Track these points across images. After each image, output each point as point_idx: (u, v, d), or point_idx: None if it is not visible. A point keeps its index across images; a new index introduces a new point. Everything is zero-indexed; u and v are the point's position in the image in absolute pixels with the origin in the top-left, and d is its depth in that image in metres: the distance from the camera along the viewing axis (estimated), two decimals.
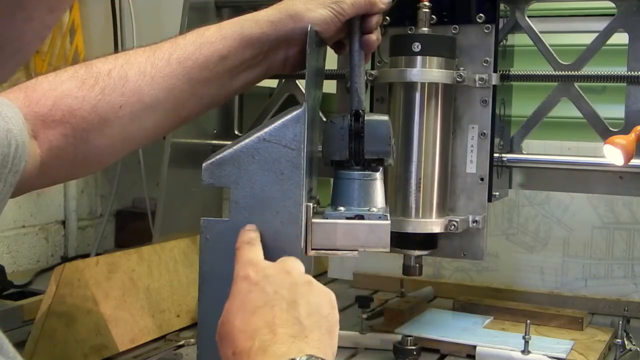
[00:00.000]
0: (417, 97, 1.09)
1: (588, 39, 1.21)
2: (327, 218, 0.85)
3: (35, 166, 0.83)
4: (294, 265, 0.75)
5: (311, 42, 0.89)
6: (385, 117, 0.93)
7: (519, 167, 1.25)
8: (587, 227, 1.46)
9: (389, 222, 0.85)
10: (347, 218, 0.85)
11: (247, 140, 0.82)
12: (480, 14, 1.13)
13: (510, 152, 1.24)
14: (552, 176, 1.24)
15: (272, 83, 1.41)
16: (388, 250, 0.86)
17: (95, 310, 1.10)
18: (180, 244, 1.32)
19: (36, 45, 0.45)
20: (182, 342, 1.18)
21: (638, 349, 1.15)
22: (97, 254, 1.62)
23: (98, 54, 0.90)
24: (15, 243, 1.75)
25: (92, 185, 1.98)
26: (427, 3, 1.10)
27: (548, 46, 1.21)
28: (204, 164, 0.83)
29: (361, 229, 0.84)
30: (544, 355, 1.10)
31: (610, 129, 1.17)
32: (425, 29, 1.11)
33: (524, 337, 1.10)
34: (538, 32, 1.22)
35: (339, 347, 0.72)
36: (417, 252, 1.14)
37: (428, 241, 1.14)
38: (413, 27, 1.13)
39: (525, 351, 1.10)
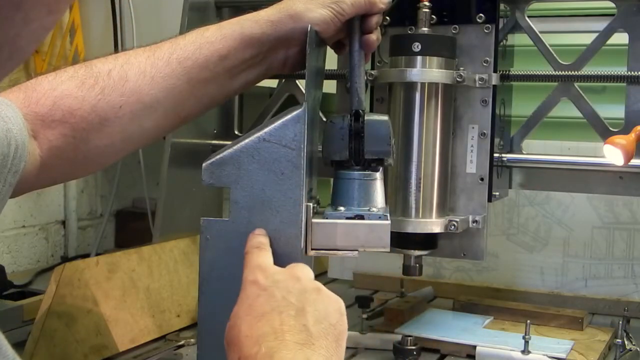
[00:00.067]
0: (417, 97, 1.09)
1: (588, 39, 1.21)
2: (327, 218, 0.85)
3: (35, 166, 0.83)
4: (304, 272, 0.74)
5: (311, 42, 0.89)
6: (385, 117, 0.93)
7: (519, 167, 1.26)
8: (587, 227, 1.46)
9: (389, 222, 0.84)
10: (347, 218, 0.85)
11: (247, 140, 0.82)
12: (480, 14, 1.13)
13: (510, 152, 1.24)
14: (552, 176, 1.24)
15: (272, 83, 1.41)
16: (388, 250, 0.86)
17: (95, 310, 1.10)
18: (180, 244, 1.32)
19: (34, 47, 0.45)
20: (182, 342, 1.18)
21: (638, 349, 1.15)
22: (97, 254, 1.62)
23: (98, 54, 0.90)
24: (15, 243, 1.75)
25: (92, 185, 1.98)
26: (427, 3, 1.10)
27: (548, 46, 1.21)
28: (204, 164, 0.83)
29: (361, 229, 0.84)
30: (544, 355, 1.10)
31: (610, 129, 1.17)
32: (425, 29, 1.11)
33: (524, 337, 1.10)
34: (538, 32, 1.22)
35: None
36: (417, 252, 1.14)
37: (428, 241, 1.14)
38: (413, 27, 1.13)
39: (525, 351, 1.10)
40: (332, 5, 0.93)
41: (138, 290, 1.18)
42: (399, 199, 1.11)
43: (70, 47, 1.77)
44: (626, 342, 1.14)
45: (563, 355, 1.12)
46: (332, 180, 0.91)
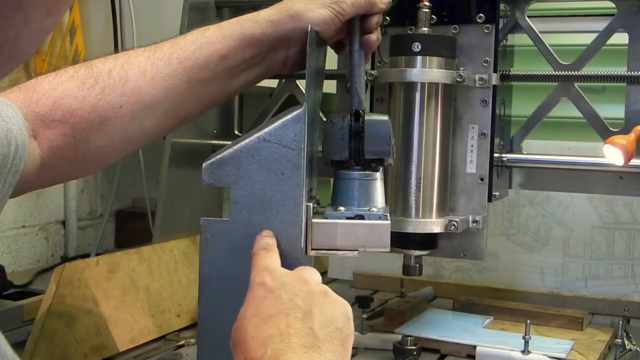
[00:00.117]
0: (417, 97, 1.10)
1: (588, 39, 1.21)
2: (327, 218, 0.85)
3: (35, 166, 0.83)
4: (311, 275, 0.74)
5: (311, 42, 0.89)
6: (385, 117, 0.93)
7: (519, 167, 1.26)
8: (587, 227, 1.46)
9: (389, 222, 0.84)
10: (347, 218, 0.85)
11: (247, 140, 0.82)
12: (480, 14, 1.13)
13: (510, 152, 1.24)
14: (552, 176, 1.24)
15: (272, 83, 1.41)
16: (388, 250, 0.86)
17: (95, 310, 1.10)
18: (180, 244, 1.32)
19: (34, 48, 0.45)
20: (182, 342, 1.18)
21: (638, 349, 1.15)
22: (97, 254, 1.62)
23: (98, 54, 0.90)
24: (15, 243, 1.75)
25: (92, 185, 1.98)
26: (427, 3, 1.10)
27: (548, 46, 1.21)
28: (204, 164, 0.83)
29: (361, 229, 0.84)
30: (544, 355, 1.10)
31: (610, 129, 1.17)
32: (425, 29, 1.11)
33: (524, 337, 1.10)
34: (538, 32, 1.22)
35: None
36: (417, 252, 1.14)
37: (428, 241, 1.14)
38: (413, 27, 1.13)
39: (525, 351, 1.10)
40: (333, 5, 0.93)
41: (138, 290, 1.18)
42: (399, 199, 1.11)
43: (70, 47, 1.77)
44: (626, 342, 1.14)
45: (563, 355, 1.12)
46: (332, 180, 0.91)
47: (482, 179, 1.15)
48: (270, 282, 0.72)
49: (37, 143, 0.83)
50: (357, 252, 0.85)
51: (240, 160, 0.82)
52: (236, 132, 1.48)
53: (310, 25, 0.91)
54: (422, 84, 1.09)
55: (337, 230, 0.84)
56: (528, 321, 1.11)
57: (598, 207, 1.45)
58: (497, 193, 1.18)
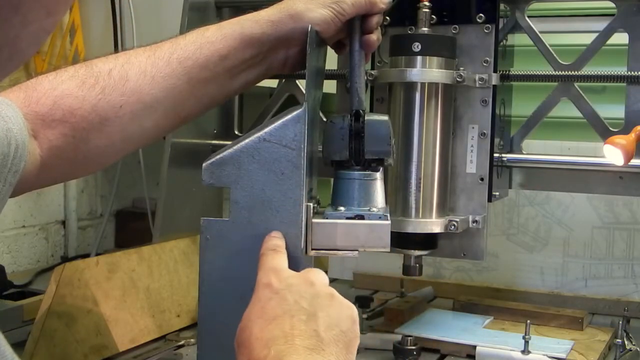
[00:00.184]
0: (417, 97, 1.10)
1: (588, 39, 1.21)
2: (327, 218, 0.85)
3: (35, 166, 0.82)
4: (318, 277, 0.74)
5: (311, 42, 0.89)
6: (385, 117, 0.93)
7: (519, 167, 1.26)
8: (587, 227, 1.46)
9: (389, 222, 0.84)
10: (347, 218, 0.85)
11: (247, 140, 0.82)
12: (480, 14, 1.13)
13: (510, 152, 1.24)
14: (552, 176, 1.24)
15: (272, 83, 1.41)
16: (388, 250, 0.86)
17: (95, 310, 1.10)
18: (180, 244, 1.32)
19: (34, 49, 0.45)
20: (182, 342, 1.18)
21: (638, 349, 1.15)
22: (97, 254, 1.62)
23: (98, 54, 0.90)
24: (15, 243, 1.75)
25: (92, 185, 1.98)
26: (427, 3, 1.10)
27: (548, 46, 1.21)
28: (204, 164, 0.83)
29: (361, 229, 0.84)
30: (544, 355, 1.10)
31: (610, 129, 1.17)
32: (425, 29, 1.11)
33: (524, 337, 1.10)
34: (538, 32, 1.22)
35: None
36: (417, 252, 1.14)
37: (428, 241, 1.14)
38: (413, 27, 1.13)
39: (525, 351, 1.10)
40: (333, 5, 0.93)
41: (138, 290, 1.18)
42: (399, 199, 1.11)
43: (70, 47, 1.77)
44: (626, 342, 1.14)
45: (563, 355, 1.12)
46: (332, 180, 0.91)
47: (482, 179, 1.15)
48: (276, 283, 0.72)
49: (37, 143, 0.83)
50: (357, 252, 0.85)
51: (240, 160, 0.82)
52: (236, 132, 1.48)
53: (310, 25, 0.91)
54: (422, 84, 1.09)
55: (337, 230, 0.84)
56: (528, 321, 1.11)
57: (598, 207, 1.45)
58: (497, 193, 1.18)
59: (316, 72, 0.95)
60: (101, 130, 0.86)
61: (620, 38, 1.19)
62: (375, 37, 0.98)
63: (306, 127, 0.82)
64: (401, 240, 1.11)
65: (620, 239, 1.44)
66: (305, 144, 0.82)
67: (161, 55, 0.89)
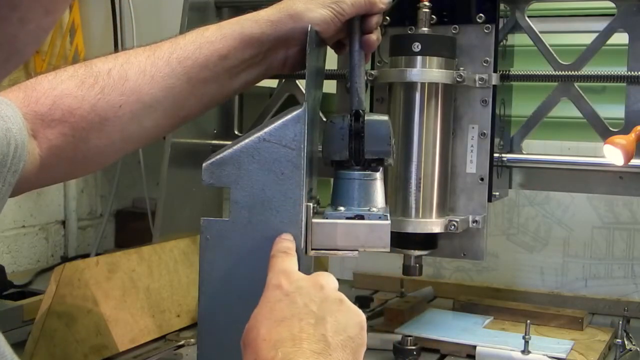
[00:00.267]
0: (417, 97, 1.09)
1: (588, 39, 1.21)
2: (327, 218, 0.85)
3: (35, 165, 0.82)
4: (328, 281, 0.74)
5: (311, 42, 0.89)
6: (385, 117, 0.93)
7: (519, 167, 1.26)
8: (587, 227, 1.46)
9: (389, 222, 0.84)
10: (347, 218, 0.85)
11: (247, 140, 0.82)
12: (480, 14, 1.13)
13: (510, 152, 1.24)
14: (552, 176, 1.24)
15: (272, 83, 1.41)
16: (388, 250, 0.86)
17: (95, 310, 1.10)
18: (180, 244, 1.32)
19: (33, 48, 0.45)
20: (182, 342, 1.18)
21: (638, 349, 1.15)
22: (97, 254, 1.62)
23: (98, 54, 0.90)
24: (15, 243, 1.75)
25: (92, 185, 1.98)
26: (427, 3, 1.10)
27: (548, 46, 1.21)
28: (204, 164, 0.83)
29: (361, 229, 0.84)
30: (544, 355, 1.10)
31: (610, 129, 1.17)
32: (425, 29, 1.11)
33: (524, 337, 1.10)
34: (538, 32, 1.22)
35: None
36: (417, 252, 1.14)
37: (428, 241, 1.14)
38: (413, 27, 1.13)
39: (525, 351, 1.10)
40: (332, 5, 0.93)
41: (138, 290, 1.18)
42: (399, 199, 1.11)
43: (70, 47, 1.77)
44: (626, 342, 1.14)
45: (563, 355, 1.12)
46: (332, 180, 0.91)
47: (482, 179, 1.15)
48: (286, 285, 0.72)
49: (36, 142, 0.83)
50: (357, 252, 0.85)
51: (240, 160, 0.82)
52: (236, 132, 1.48)
53: (310, 25, 0.91)
54: (422, 84, 1.09)
55: (337, 230, 0.84)
56: (528, 321, 1.11)
57: (598, 207, 1.45)
58: (497, 193, 1.18)
59: (316, 72, 0.95)
60: (101, 130, 0.86)
61: (620, 38, 1.19)
62: (375, 37, 0.98)
63: (306, 127, 0.82)
64: (401, 240, 1.11)
65: (620, 239, 1.44)
66: (305, 144, 0.82)
67: (161, 55, 0.89)
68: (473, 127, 1.14)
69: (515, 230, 1.50)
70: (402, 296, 1.42)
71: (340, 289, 0.75)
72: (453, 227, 1.11)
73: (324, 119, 1.10)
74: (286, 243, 0.80)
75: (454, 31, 1.14)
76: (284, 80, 1.39)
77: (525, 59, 1.29)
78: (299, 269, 0.77)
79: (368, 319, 1.23)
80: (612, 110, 1.30)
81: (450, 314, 1.34)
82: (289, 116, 0.82)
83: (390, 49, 1.12)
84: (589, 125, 1.20)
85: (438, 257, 1.41)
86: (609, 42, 1.19)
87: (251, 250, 0.82)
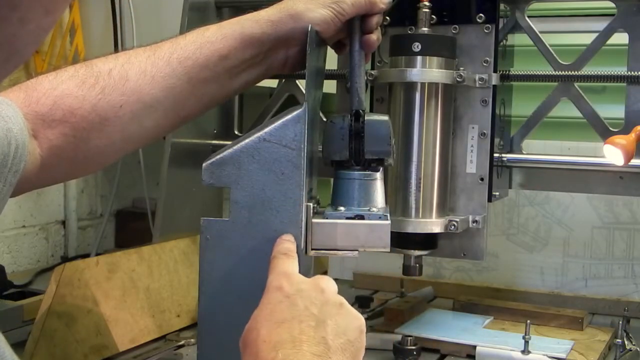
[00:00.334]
0: (417, 97, 1.10)
1: (588, 39, 1.21)
2: (327, 218, 0.85)
3: (35, 165, 0.83)
4: (328, 285, 0.74)
5: (311, 42, 0.89)
6: (385, 117, 0.93)
7: (519, 167, 1.26)
8: (587, 227, 1.46)
9: (389, 222, 0.84)
10: (347, 218, 0.85)
11: (247, 140, 0.82)
12: (480, 14, 1.13)
13: (510, 152, 1.24)
14: (552, 176, 1.24)
15: (272, 83, 1.41)
16: (388, 250, 0.86)
17: (95, 310, 1.10)
18: (180, 244, 1.32)
19: (33, 48, 0.45)
20: (182, 342, 1.18)
21: (638, 349, 1.15)
22: (97, 254, 1.62)
23: (98, 54, 0.90)
24: (15, 243, 1.75)
25: (92, 185, 1.98)
26: (427, 3, 1.10)
27: (548, 46, 1.21)
28: (204, 164, 0.83)
29: (361, 229, 0.84)
30: (544, 355, 1.10)
31: (610, 129, 1.17)
32: (425, 29, 1.11)
33: (524, 337, 1.10)
34: (538, 32, 1.22)
35: None
36: (417, 252, 1.14)
37: (428, 241, 1.14)
38: (413, 27, 1.13)
39: (525, 351, 1.10)
40: (333, 5, 0.93)
41: (138, 290, 1.18)
42: (399, 199, 1.11)
43: (70, 47, 1.77)
44: (626, 342, 1.14)
45: (563, 355, 1.12)
46: (332, 180, 0.91)
47: (482, 179, 1.15)
48: (287, 287, 0.72)
49: (37, 142, 0.83)
50: (357, 252, 0.85)
51: (240, 160, 0.82)
52: (236, 132, 1.48)
53: (310, 25, 0.91)
54: (422, 84, 1.09)
55: (337, 230, 0.84)
56: (528, 321, 1.11)
57: (598, 207, 1.45)
58: (497, 193, 1.18)
59: (316, 72, 0.95)
60: (101, 130, 0.86)
61: (620, 38, 1.19)
62: (375, 37, 0.98)
63: (306, 127, 0.82)
64: (401, 240, 1.11)
65: (620, 239, 1.44)
66: (305, 144, 0.82)
67: (161, 55, 0.89)
68: (473, 127, 1.15)
69: (515, 230, 1.50)
70: (402, 296, 1.42)
71: (340, 289, 0.75)
72: (453, 227, 1.11)
73: (324, 119, 1.10)
74: (287, 244, 0.80)
75: (454, 31, 1.14)
76: (284, 80, 1.39)
77: (525, 59, 1.29)
78: (299, 270, 0.77)
79: (368, 319, 1.23)
80: (612, 110, 1.30)
81: (450, 314, 1.34)
82: (289, 116, 0.82)
83: (390, 49, 1.12)
84: (589, 125, 1.20)
85: (438, 257, 1.41)
86: (609, 42, 1.19)
87: (251, 250, 0.82)
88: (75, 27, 1.77)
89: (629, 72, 1.16)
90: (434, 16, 1.12)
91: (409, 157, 1.10)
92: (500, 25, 1.15)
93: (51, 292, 1.11)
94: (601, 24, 1.21)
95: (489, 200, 1.15)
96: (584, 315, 1.29)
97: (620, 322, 1.14)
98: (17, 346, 1.04)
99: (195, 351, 0.87)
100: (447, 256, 1.21)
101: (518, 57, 1.26)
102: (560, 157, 1.26)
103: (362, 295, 1.44)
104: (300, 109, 0.82)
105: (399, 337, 1.14)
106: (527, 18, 1.22)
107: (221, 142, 1.38)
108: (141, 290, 1.19)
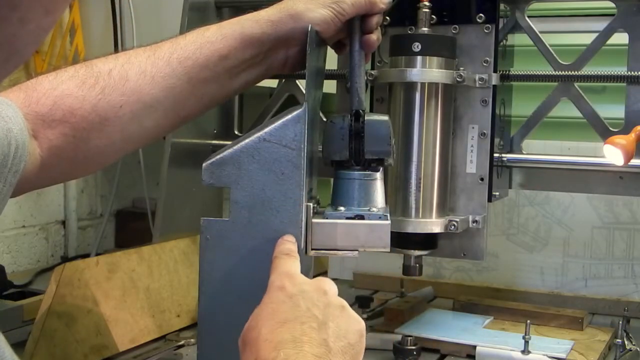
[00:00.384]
0: (417, 97, 1.10)
1: (588, 39, 1.21)
2: (327, 218, 0.85)
3: (36, 166, 0.83)
4: (330, 287, 0.74)
5: (311, 42, 0.89)
6: (385, 117, 0.93)
7: (519, 167, 1.26)
8: (587, 227, 1.46)
9: (389, 222, 0.84)
10: (347, 218, 0.85)
11: (247, 140, 0.82)
12: (480, 14, 1.13)
13: (510, 152, 1.24)
14: (552, 176, 1.24)
15: (272, 83, 1.41)
16: (388, 250, 0.86)
17: (95, 310, 1.10)
18: (180, 244, 1.32)
19: (33, 48, 0.45)
20: (182, 342, 1.18)
21: (638, 349, 1.15)
22: (97, 254, 1.62)
23: (98, 54, 0.90)
24: (15, 243, 1.75)
25: (92, 185, 1.98)
26: (427, 3, 1.10)
27: (548, 46, 1.21)
28: (204, 164, 0.83)
29: (361, 229, 0.84)
30: (544, 355, 1.10)
31: (610, 129, 1.17)
32: (425, 29, 1.11)
33: (524, 337, 1.10)
34: (538, 32, 1.22)
35: None
36: (417, 252, 1.14)
37: (428, 241, 1.14)
38: (413, 27, 1.13)
39: (525, 351, 1.10)
40: (333, 5, 0.93)
41: (138, 290, 1.18)
42: (399, 199, 1.11)
43: (70, 47, 1.77)
44: (626, 342, 1.14)
45: (563, 355, 1.12)
46: (332, 180, 0.91)
47: (482, 179, 1.15)
48: (290, 287, 0.72)
49: (37, 143, 0.83)
50: (357, 252, 0.85)
51: (240, 160, 0.82)
52: (236, 132, 1.48)
53: (310, 25, 0.91)
54: (422, 84, 1.09)
55: (337, 230, 0.84)
56: (528, 321, 1.11)
57: (598, 207, 1.45)
58: (497, 193, 1.18)
59: (316, 72, 0.95)
60: (101, 130, 0.86)
61: (620, 38, 1.19)
62: (375, 37, 0.98)
63: (306, 127, 0.82)
64: (401, 240, 1.11)
65: (620, 239, 1.44)
66: (305, 144, 0.82)
67: (161, 55, 0.89)
68: (473, 127, 1.15)
69: (515, 230, 1.50)
70: (402, 296, 1.42)
71: (340, 289, 0.75)
72: (453, 227, 1.11)
73: (324, 119, 1.10)
74: (289, 245, 0.80)
75: (454, 31, 1.14)
76: (284, 80, 1.39)
77: (525, 59, 1.29)
78: (300, 269, 0.77)
79: (368, 319, 1.23)
80: (612, 110, 1.30)
81: (450, 314, 1.34)
82: (289, 116, 0.82)
83: (390, 49, 1.12)
84: (589, 125, 1.20)
85: (438, 257, 1.41)
86: (609, 42, 1.19)
87: (251, 250, 0.82)
88: (75, 27, 1.77)
89: (629, 72, 1.16)
90: (434, 16, 1.12)
91: (409, 157, 1.10)
92: (500, 25, 1.15)
93: (51, 292, 1.11)
94: (601, 24, 1.21)
95: (489, 200, 1.15)
96: (584, 315, 1.29)
97: (620, 322, 1.14)
98: (17, 346, 1.04)
99: (195, 351, 0.87)
100: (447, 256, 1.21)
101: (518, 57, 1.26)
102: (560, 157, 1.26)
103: (362, 295, 1.44)
104: (300, 109, 0.82)
105: (399, 337, 1.14)
106: (527, 18, 1.22)
107: (221, 142, 1.38)
108: (141, 290, 1.19)
